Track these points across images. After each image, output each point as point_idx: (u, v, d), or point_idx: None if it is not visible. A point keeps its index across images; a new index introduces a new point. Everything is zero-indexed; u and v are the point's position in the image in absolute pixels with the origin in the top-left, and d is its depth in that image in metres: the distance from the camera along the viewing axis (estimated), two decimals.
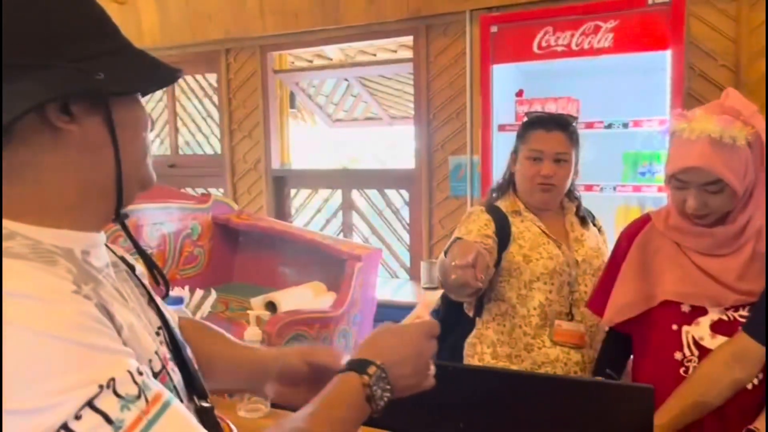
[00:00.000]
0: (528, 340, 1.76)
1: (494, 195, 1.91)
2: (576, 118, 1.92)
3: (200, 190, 3.93)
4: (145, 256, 0.86)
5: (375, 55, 4.43)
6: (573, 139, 1.82)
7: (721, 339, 1.42)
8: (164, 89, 4.64)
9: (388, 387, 0.81)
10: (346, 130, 5.13)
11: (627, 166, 2.84)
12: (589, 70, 2.96)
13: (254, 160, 4.25)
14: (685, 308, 1.47)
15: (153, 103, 4.78)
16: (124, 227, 0.82)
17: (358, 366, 0.81)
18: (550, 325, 1.76)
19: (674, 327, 1.47)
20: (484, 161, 3.02)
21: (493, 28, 2.83)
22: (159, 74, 0.78)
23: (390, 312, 3.10)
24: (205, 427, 0.80)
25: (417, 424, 1.28)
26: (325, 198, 4.27)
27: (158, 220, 2.23)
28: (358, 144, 5.77)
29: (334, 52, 4.36)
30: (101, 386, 0.58)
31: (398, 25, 3.70)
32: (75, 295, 0.64)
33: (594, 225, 1.96)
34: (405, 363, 0.85)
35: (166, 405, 0.63)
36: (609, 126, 2.76)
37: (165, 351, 0.80)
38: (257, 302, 2.13)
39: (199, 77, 4.56)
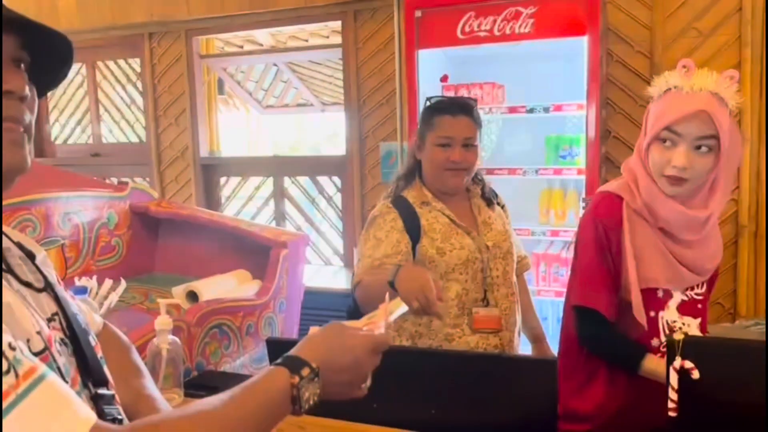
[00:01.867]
0: (447, 331, 1.77)
1: (400, 184, 1.89)
2: (476, 101, 1.90)
3: (126, 180, 3.81)
4: (23, 249, 0.83)
5: (306, 40, 4.38)
6: (478, 123, 1.84)
7: (687, 319, 1.48)
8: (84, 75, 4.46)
9: (317, 392, 0.78)
10: (282, 117, 5.06)
11: (549, 149, 2.91)
12: (512, 56, 3.01)
13: (181, 147, 4.14)
14: (660, 293, 1.48)
15: (72, 89, 4.58)
16: None
17: (292, 364, 0.78)
18: (468, 313, 1.77)
19: (652, 314, 1.47)
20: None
21: (418, 13, 2.83)
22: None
23: (323, 298, 3.10)
24: (99, 414, 0.78)
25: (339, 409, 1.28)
26: (256, 186, 4.20)
27: (71, 210, 2.13)
28: (295, 132, 5.70)
29: (265, 37, 4.28)
30: None
31: (326, 10, 3.66)
32: None
33: (498, 204, 1.98)
34: (342, 371, 0.82)
35: (39, 379, 0.62)
36: (531, 110, 2.81)
37: (54, 334, 0.78)
38: (178, 292, 2.08)
39: (121, 62, 4.39)
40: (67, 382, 0.76)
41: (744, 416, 1.11)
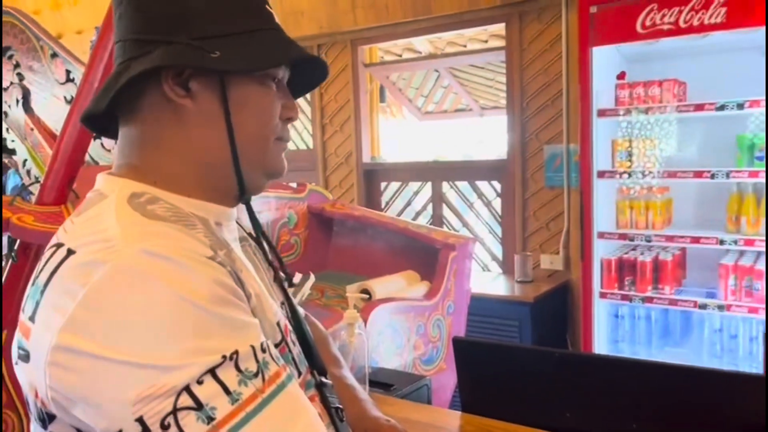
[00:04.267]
0: None
1: None
2: None
3: (305, 182, 4.03)
4: (266, 238, 0.88)
5: (465, 45, 4.37)
6: None
7: None
8: None
9: None
10: (434, 123, 5.09)
11: (742, 150, 2.64)
12: (694, 50, 2.78)
13: (345, 153, 4.30)
14: None
15: None
16: (249, 209, 0.84)
17: None
18: None
19: None
20: (584, 149, 2.90)
21: (593, 9, 2.70)
22: (278, 54, 0.77)
23: (482, 304, 3.05)
24: (323, 402, 0.80)
25: (524, 414, 1.24)
26: (415, 191, 4.25)
27: (257, 209, 2.28)
28: (446, 137, 5.71)
29: (423, 44, 4.34)
30: (224, 357, 0.59)
31: (490, 12, 3.62)
32: (211, 261, 0.65)
33: None
34: None
35: (281, 386, 0.63)
36: (721, 108, 2.57)
37: (287, 323, 0.81)
38: (352, 289, 2.13)
39: None
40: (301, 372, 0.79)
41: None
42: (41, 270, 0.67)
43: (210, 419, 0.57)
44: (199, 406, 0.57)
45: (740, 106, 2.54)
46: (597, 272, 2.96)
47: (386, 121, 4.74)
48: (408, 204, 4.29)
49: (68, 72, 2.38)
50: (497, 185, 3.88)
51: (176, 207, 0.72)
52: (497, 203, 3.92)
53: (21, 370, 0.67)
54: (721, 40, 2.58)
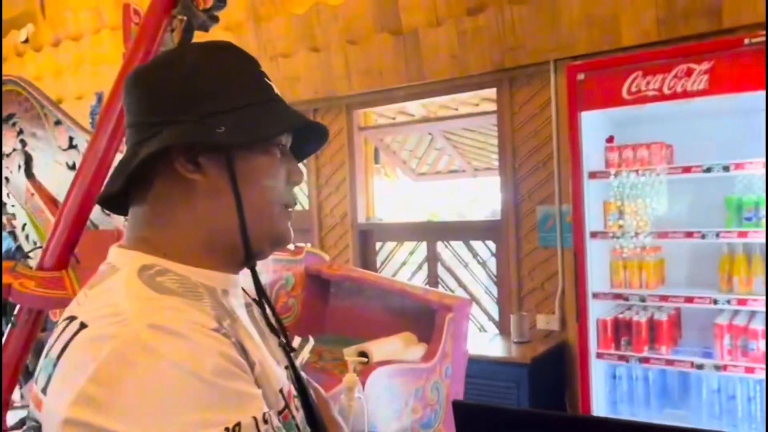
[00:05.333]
0: None
1: None
2: None
3: (302, 244, 4.04)
4: (269, 303, 0.89)
5: (456, 109, 4.49)
6: None
7: None
8: None
9: None
10: (428, 184, 5.17)
11: (731, 211, 2.70)
12: (679, 114, 2.88)
13: (341, 214, 4.35)
14: None
15: None
16: (254, 275, 0.86)
17: None
18: None
19: None
20: (576, 209, 2.95)
21: (580, 76, 2.81)
22: (280, 123, 0.81)
23: (479, 366, 3.03)
24: None
25: None
26: (410, 250, 4.28)
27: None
28: (440, 196, 5.79)
29: (416, 107, 4.45)
30: (227, 429, 0.61)
31: (481, 78, 3.74)
32: (216, 334, 0.68)
33: None
34: None
35: None
36: (708, 170, 2.65)
37: (291, 388, 0.82)
38: (350, 352, 2.13)
39: None
40: None
41: None
42: (54, 342, 0.69)
43: None
44: None
45: (726, 169, 2.62)
46: (593, 332, 2.97)
47: (380, 182, 4.82)
48: (404, 264, 4.31)
49: (71, 138, 2.43)
50: (491, 245, 3.91)
51: (185, 277, 0.74)
52: (492, 263, 3.95)
53: None
54: (705, 105, 2.67)
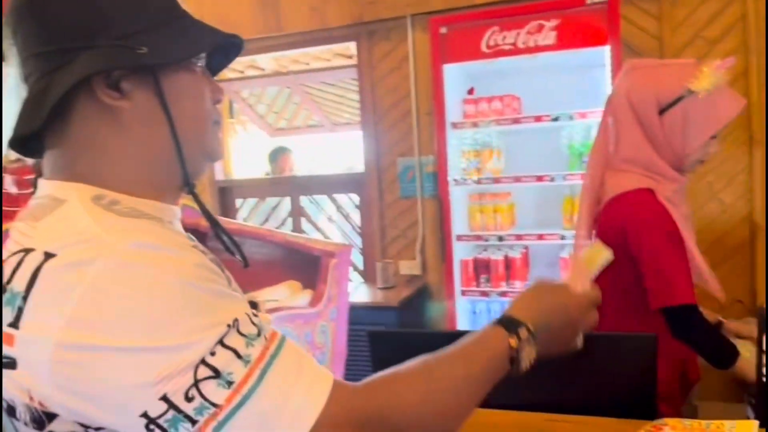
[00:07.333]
0: None
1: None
2: None
3: None
4: (221, 228, 0.88)
5: (308, 63, 4.46)
6: None
7: None
8: None
9: (534, 353, 0.79)
10: (287, 139, 5.13)
11: (573, 156, 3.02)
12: (532, 69, 3.13)
13: None
14: None
15: None
16: (196, 197, 0.84)
17: (510, 324, 0.79)
18: None
19: None
20: (440, 159, 3.12)
21: (443, 29, 2.94)
22: (205, 39, 0.78)
23: (351, 313, 3.13)
24: None
25: None
26: (273, 206, 4.25)
27: None
28: (299, 153, 5.78)
29: (267, 61, 4.35)
30: (229, 326, 0.63)
31: (341, 32, 3.76)
32: (194, 248, 0.69)
33: None
34: (558, 330, 0.83)
35: (282, 340, 0.68)
36: (556, 119, 2.93)
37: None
38: None
39: None
40: None
41: None
42: (12, 276, 0.64)
43: (230, 383, 0.61)
44: (217, 374, 0.60)
45: (571, 118, 2.92)
46: (457, 272, 3.19)
47: (237, 137, 4.69)
48: (266, 220, 4.27)
49: None
50: (355, 197, 4.01)
51: (135, 208, 0.72)
52: (355, 215, 4.05)
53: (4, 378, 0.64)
54: (552, 61, 2.94)
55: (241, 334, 0.64)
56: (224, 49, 0.86)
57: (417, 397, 0.70)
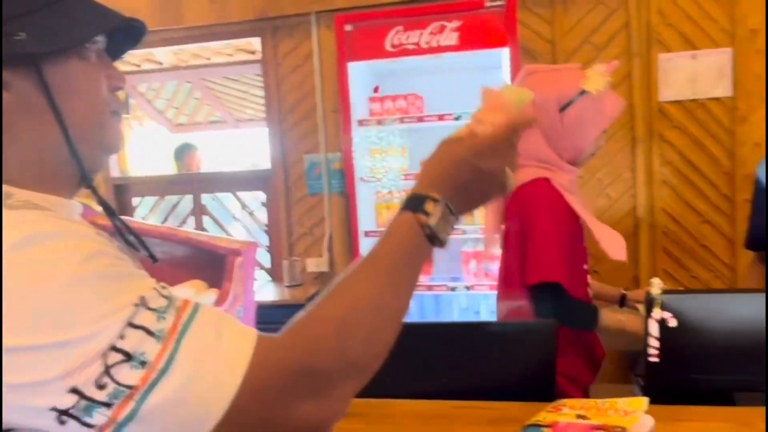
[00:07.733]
0: None
1: None
2: None
3: None
4: (122, 223, 0.84)
5: (209, 58, 4.34)
6: None
7: None
8: None
9: (450, 219, 0.76)
10: (187, 136, 4.96)
11: None
12: (434, 68, 3.21)
13: None
14: None
15: None
16: (95, 193, 0.81)
17: (413, 203, 0.76)
18: None
19: (585, 267, 1.75)
20: (347, 156, 3.14)
21: (348, 27, 2.96)
22: (96, 22, 0.73)
23: (258, 311, 3.09)
24: None
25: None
26: (173, 204, 4.10)
27: None
28: (204, 149, 5.63)
29: (165, 55, 4.19)
30: (136, 305, 0.60)
31: (244, 26, 3.69)
32: (97, 236, 0.65)
33: None
34: (469, 185, 0.79)
35: (195, 308, 0.63)
36: (458, 118, 3.02)
37: None
38: None
39: None
40: None
41: (714, 355, 1.31)
42: None
43: (143, 363, 0.58)
44: (128, 357, 0.58)
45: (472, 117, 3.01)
46: None
47: (134, 134, 4.49)
48: (166, 219, 4.12)
49: None
50: (261, 195, 3.95)
51: (30, 201, 0.68)
52: (260, 213, 3.99)
53: None
54: (454, 61, 3.03)
55: (151, 309, 0.60)
56: (123, 32, 0.80)
57: (333, 332, 0.66)
